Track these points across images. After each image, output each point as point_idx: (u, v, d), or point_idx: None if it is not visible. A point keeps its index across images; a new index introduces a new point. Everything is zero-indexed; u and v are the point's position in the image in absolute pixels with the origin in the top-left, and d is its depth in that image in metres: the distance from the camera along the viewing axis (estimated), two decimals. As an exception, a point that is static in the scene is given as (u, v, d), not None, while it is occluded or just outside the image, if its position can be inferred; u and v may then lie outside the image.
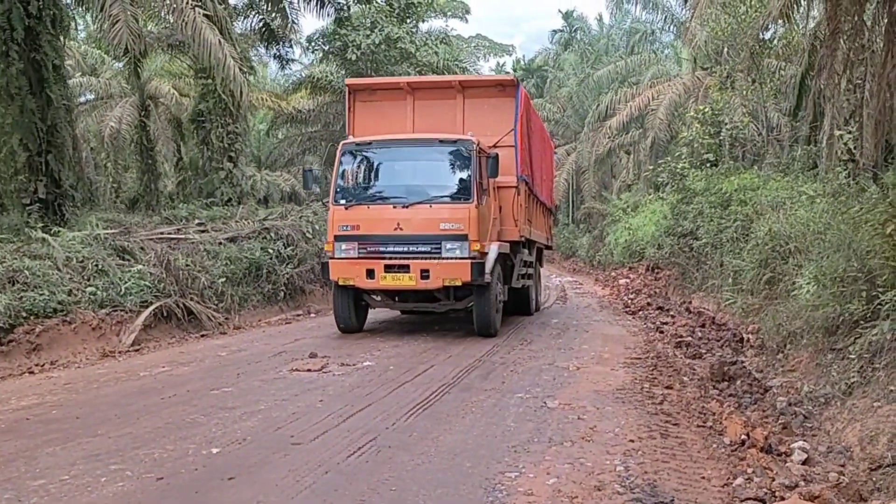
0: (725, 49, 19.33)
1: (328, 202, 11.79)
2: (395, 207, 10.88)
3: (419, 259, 10.65)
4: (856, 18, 7.30)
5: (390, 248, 10.75)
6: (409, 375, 8.31)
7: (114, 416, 6.48)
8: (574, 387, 7.84)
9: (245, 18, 25.29)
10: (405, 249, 10.71)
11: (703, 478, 5.00)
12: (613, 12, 34.61)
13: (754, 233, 11.94)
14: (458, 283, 10.69)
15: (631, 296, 18.67)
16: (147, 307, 11.22)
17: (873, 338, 6.45)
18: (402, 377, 8.22)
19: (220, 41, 16.39)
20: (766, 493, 4.64)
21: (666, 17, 28.72)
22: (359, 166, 11.69)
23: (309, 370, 8.60)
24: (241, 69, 17.41)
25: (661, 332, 12.19)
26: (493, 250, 11.08)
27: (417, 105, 12.53)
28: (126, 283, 11.22)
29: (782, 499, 4.53)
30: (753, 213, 12.86)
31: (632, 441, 5.76)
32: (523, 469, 5.06)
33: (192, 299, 12.20)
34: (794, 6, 13.41)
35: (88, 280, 10.91)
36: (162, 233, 14.63)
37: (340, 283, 11.02)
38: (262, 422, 6.31)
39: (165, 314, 11.62)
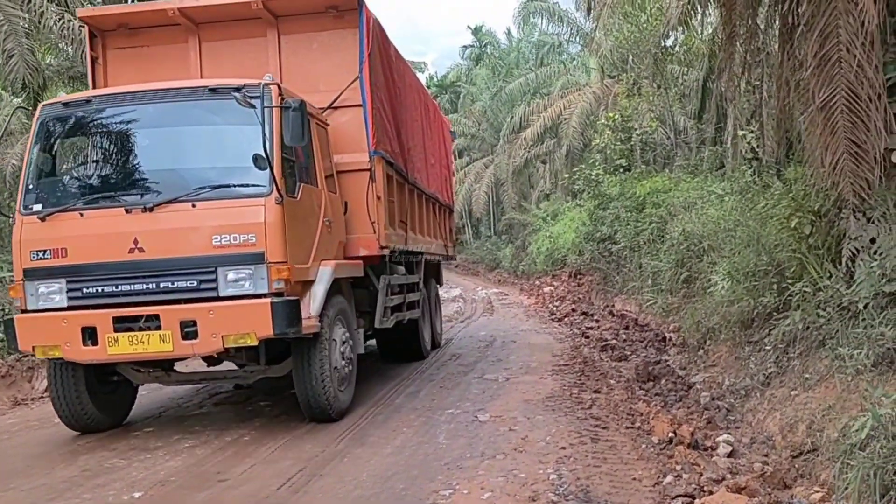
0: (630, 57, 19.87)
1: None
2: (129, 212, 6.35)
3: (177, 303, 6.27)
4: (750, 22, 7.56)
5: (124, 288, 6.29)
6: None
7: (26, 468, 6.15)
8: (504, 398, 7.85)
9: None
10: (151, 287, 6.27)
11: (634, 479, 5.05)
12: (521, 26, 34.89)
13: (669, 234, 12.28)
14: (253, 343, 6.34)
15: (556, 303, 18.90)
16: (60, 350, 10.73)
17: (786, 328, 6.69)
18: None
19: (123, 71, 15.94)
20: (695, 489, 4.73)
21: (572, 28, 29.30)
22: (70, 145, 7.20)
23: (236, 402, 8.38)
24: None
25: (587, 337, 12.36)
26: (323, 276, 6.87)
27: (206, 49, 8.15)
28: (35, 326, 10.72)
29: (711, 493, 4.61)
30: (667, 214, 13.24)
31: (563, 448, 5.79)
32: (457, 486, 5.02)
33: (107, 338, 11.73)
34: (692, 13, 13.85)
35: (-6, 326, 10.38)
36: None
37: (38, 354, 6.57)
38: (185, 460, 6.08)
39: (80, 355, 11.13)
